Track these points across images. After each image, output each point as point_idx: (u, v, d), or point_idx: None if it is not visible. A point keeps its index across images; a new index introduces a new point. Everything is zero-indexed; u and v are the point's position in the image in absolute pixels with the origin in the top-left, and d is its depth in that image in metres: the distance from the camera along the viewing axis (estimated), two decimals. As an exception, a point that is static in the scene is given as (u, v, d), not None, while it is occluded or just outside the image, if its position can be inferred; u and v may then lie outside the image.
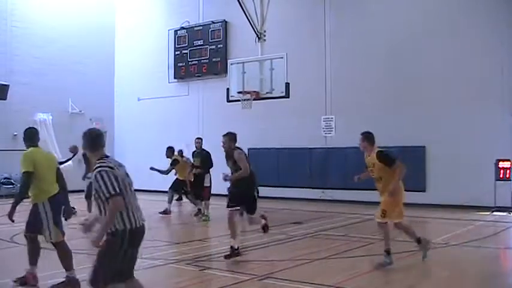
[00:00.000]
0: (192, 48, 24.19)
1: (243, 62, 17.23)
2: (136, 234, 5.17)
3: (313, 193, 20.20)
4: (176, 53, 24.76)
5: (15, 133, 21.76)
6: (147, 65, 25.91)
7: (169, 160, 16.49)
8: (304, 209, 17.76)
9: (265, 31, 17.50)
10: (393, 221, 8.72)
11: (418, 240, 8.89)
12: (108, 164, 5.22)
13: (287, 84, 16.21)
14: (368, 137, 8.90)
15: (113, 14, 27.51)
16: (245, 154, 9.81)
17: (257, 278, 7.90)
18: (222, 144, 9.81)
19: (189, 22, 24.29)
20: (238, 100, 17.15)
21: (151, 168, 16.48)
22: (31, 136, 7.53)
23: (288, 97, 16.52)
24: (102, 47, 26.54)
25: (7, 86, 21.86)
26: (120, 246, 5.07)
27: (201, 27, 23.98)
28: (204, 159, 15.30)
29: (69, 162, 16.22)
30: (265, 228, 10.13)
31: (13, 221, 7.07)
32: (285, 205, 18.76)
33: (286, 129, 20.70)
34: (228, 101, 17.51)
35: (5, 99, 21.88)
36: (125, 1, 27.47)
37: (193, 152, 15.86)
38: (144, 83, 25.90)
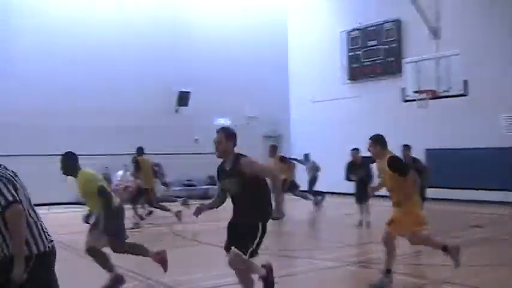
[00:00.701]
0: (365, 49, 24.07)
1: (418, 61, 16.84)
2: (48, 258, 3.91)
3: (493, 195, 19.08)
4: (350, 54, 24.74)
5: (196, 138, 23.18)
6: (319, 66, 26.00)
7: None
8: (484, 212, 16.84)
9: (440, 27, 16.91)
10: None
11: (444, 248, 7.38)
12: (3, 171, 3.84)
13: (465, 82, 15.55)
14: (379, 140, 7.64)
15: (285, 16, 27.74)
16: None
17: (433, 283, 7.72)
18: (215, 145, 6.16)
19: (361, 23, 24.14)
20: (414, 100, 16.78)
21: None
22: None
23: (466, 95, 15.82)
24: (275, 49, 26.79)
25: (189, 93, 23.32)
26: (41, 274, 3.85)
27: (374, 27, 23.76)
28: (367, 170, 13.92)
29: None
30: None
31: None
32: (463, 207, 17.94)
33: (464, 129, 19.71)
34: (404, 100, 17.18)
35: (186, 105, 23.37)
36: (296, 3, 27.72)
37: (351, 164, 14.50)
38: (317, 85, 26.02)
